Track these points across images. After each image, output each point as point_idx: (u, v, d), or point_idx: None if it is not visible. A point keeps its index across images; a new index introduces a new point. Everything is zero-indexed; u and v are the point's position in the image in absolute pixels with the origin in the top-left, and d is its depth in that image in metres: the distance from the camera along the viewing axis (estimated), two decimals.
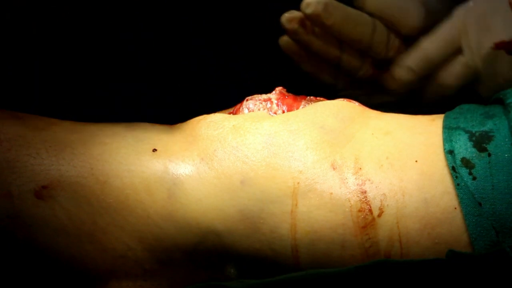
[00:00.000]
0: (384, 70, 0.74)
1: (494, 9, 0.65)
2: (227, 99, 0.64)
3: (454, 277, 0.49)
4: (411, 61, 0.71)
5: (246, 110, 0.61)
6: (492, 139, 0.55)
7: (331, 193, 0.54)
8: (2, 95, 0.77)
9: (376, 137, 0.57)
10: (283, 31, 0.73)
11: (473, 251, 0.52)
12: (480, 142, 0.55)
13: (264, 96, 0.62)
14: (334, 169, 0.55)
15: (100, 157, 0.58)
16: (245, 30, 0.81)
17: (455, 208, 0.53)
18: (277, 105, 0.61)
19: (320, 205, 0.54)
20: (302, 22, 0.71)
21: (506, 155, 0.53)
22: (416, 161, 0.55)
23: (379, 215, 0.53)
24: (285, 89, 0.63)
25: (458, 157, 0.54)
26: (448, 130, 0.57)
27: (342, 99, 0.62)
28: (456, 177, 0.53)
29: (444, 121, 0.58)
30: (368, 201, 0.54)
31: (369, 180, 0.55)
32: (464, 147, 0.55)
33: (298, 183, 0.55)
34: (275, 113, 0.61)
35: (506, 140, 0.54)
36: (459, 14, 0.69)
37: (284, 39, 0.74)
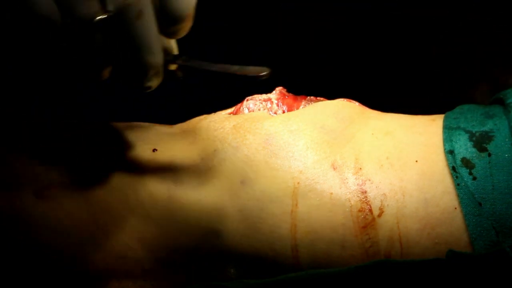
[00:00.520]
0: None
1: None
2: (227, 99, 0.64)
3: (454, 277, 0.49)
4: None
5: (246, 110, 0.61)
6: (492, 139, 0.55)
7: (331, 193, 0.54)
8: (2, 95, 0.77)
9: (376, 137, 0.57)
10: (283, 31, 0.73)
11: (473, 251, 0.52)
12: (480, 142, 0.55)
13: (264, 96, 0.62)
14: (334, 169, 0.55)
15: (100, 157, 0.58)
16: (245, 30, 0.81)
17: (455, 208, 0.53)
18: (277, 105, 0.61)
19: (320, 205, 0.54)
20: None
21: (506, 155, 0.53)
22: (416, 161, 0.55)
23: (379, 215, 0.53)
24: (285, 89, 0.63)
25: (458, 157, 0.54)
26: (448, 130, 0.57)
27: (342, 99, 0.62)
28: (456, 177, 0.53)
29: (444, 121, 0.58)
30: (368, 201, 0.54)
31: (369, 180, 0.55)
32: (464, 147, 0.55)
33: (298, 183, 0.55)
34: (275, 113, 0.61)
35: (506, 140, 0.54)
36: None
37: None
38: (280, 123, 0.58)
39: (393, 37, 0.87)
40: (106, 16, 0.48)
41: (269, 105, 0.61)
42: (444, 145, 0.55)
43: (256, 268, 0.56)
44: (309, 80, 0.76)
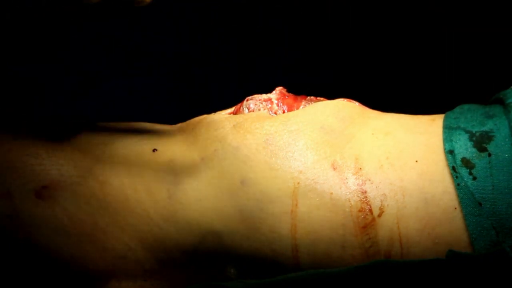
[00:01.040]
0: None
1: None
2: (227, 99, 0.64)
3: (454, 277, 0.49)
4: None
5: (246, 110, 0.61)
6: (492, 139, 0.55)
7: (331, 193, 0.54)
8: (2, 95, 0.77)
9: (376, 137, 0.57)
10: (283, 31, 0.73)
11: (473, 251, 0.52)
12: (480, 142, 0.55)
13: (265, 96, 0.62)
14: (334, 169, 0.55)
15: (100, 157, 0.58)
16: (245, 30, 0.81)
17: (455, 208, 0.53)
18: (278, 105, 0.61)
19: (320, 205, 0.54)
20: None
21: (506, 155, 0.53)
22: (416, 161, 0.55)
23: (379, 215, 0.53)
24: (285, 89, 0.63)
25: (458, 157, 0.54)
26: (448, 130, 0.57)
27: (342, 99, 0.62)
28: (456, 177, 0.53)
29: (444, 121, 0.58)
30: (368, 201, 0.54)
31: (369, 180, 0.55)
32: (464, 147, 0.55)
33: (298, 183, 0.55)
34: (275, 113, 0.61)
35: (506, 140, 0.54)
36: None
37: None
38: (280, 123, 0.58)
39: (393, 37, 0.87)
40: None
41: (269, 105, 0.61)
42: (444, 145, 0.55)
43: (256, 268, 0.56)
44: (309, 80, 0.76)
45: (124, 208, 0.56)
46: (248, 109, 0.61)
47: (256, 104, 0.62)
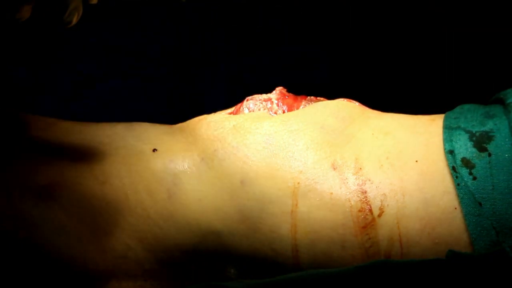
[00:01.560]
0: None
1: None
2: (226, 99, 0.64)
3: (454, 277, 0.49)
4: None
5: (246, 110, 0.61)
6: (493, 139, 0.55)
7: (332, 193, 0.54)
8: (3, 94, 0.77)
9: (376, 137, 0.57)
10: (283, 31, 0.73)
11: (473, 251, 0.52)
12: (481, 142, 0.55)
13: (265, 96, 0.62)
14: (334, 169, 0.55)
15: (100, 157, 0.58)
16: (245, 30, 0.81)
17: (455, 208, 0.53)
18: (278, 105, 0.61)
19: (321, 205, 0.54)
20: None
21: (506, 155, 0.53)
22: (416, 161, 0.55)
23: (379, 215, 0.53)
24: (285, 89, 0.63)
25: (459, 157, 0.54)
26: (449, 130, 0.57)
27: (342, 99, 0.62)
28: (456, 177, 0.53)
29: (445, 121, 0.58)
30: (369, 201, 0.54)
31: (369, 180, 0.55)
32: (464, 147, 0.55)
33: (298, 183, 0.55)
34: (275, 113, 0.61)
35: (507, 140, 0.54)
36: None
37: None
38: (280, 123, 0.58)
39: (393, 37, 0.87)
40: None
41: (269, 105, 0.61)
42: (444, 145, 0.55)
43: (256, 268, 0.56)
44: (309, 80, 0.76)
45: (124, 208, 0.56)
46: (248, 109, 0.61)
47: (256, 104, 0.62)
